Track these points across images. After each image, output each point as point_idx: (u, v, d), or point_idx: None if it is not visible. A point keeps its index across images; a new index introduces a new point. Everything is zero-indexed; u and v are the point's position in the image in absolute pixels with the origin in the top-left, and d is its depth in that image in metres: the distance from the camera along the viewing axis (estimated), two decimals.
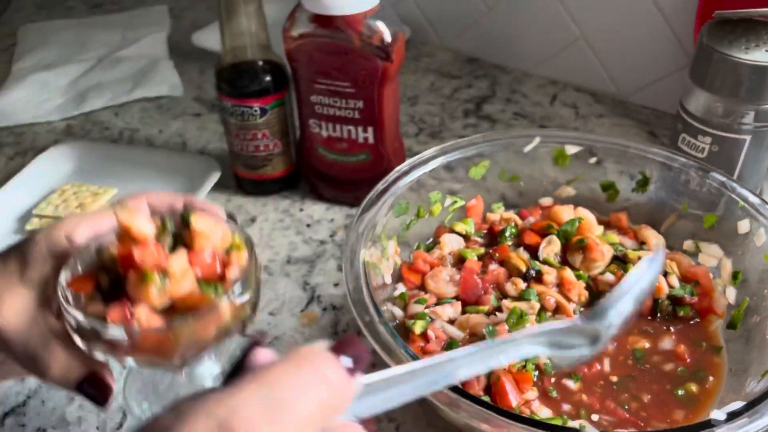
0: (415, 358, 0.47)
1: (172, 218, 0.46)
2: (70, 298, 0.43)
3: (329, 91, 0.74)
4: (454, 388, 0.44)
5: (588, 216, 0.65)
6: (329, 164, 0.80)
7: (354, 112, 0.74)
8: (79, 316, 0.42)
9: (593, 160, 0.66)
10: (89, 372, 0.43)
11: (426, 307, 0.57)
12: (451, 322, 0.56)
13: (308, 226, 0.80)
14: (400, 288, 0.60)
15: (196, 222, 0.45)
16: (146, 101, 1.05)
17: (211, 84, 1.09)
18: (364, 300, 0.51)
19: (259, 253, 0.76)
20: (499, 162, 0.66)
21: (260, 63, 0.77)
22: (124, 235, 0.43)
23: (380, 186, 0.61)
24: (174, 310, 0.42)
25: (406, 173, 0.63)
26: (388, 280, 0.60)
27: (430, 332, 0.55)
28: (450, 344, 0.54)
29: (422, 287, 0.61)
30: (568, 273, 0.58)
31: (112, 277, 0.43)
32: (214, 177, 0.83)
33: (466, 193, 0.67)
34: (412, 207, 0.64)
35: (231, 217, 0.50)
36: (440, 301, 0.58)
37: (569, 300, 0.57)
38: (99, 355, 0.43)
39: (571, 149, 0.66)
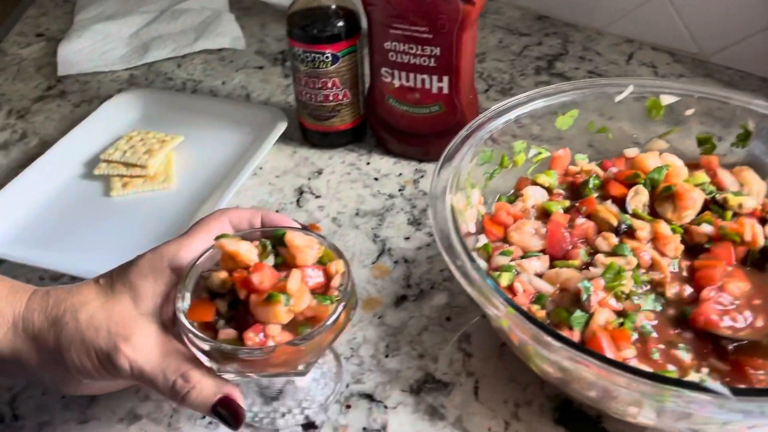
0: (510, 303, 0.44)
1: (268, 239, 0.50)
2: (195, 327, 0.45)
3: (405, 37, 0.71)
4: (554, 333, 0.42)
5: (675, 162, 0.60)
6: (399, 116, 0.77)
7: (430, 60, 0.71)
8: (213, 343, 0.44)
9: (690, 111, 0.62)
10: (224, 395, 0.45)
11: (511, 260, 0.55)
12: (539, 276, 0.53)
13: (376, 179, 0.78)
14: (482, 239, 0.57)
15: (293, 239, 0.48)
16: (208, 53, 1.03)
17: (272, 38, 1.07)
18: (454, 245, 0.49)
19: (327, 205, 0.74)
20: (587, 112, 0.63)
21: (333, 7, 0.74)
22: (228, 260, 0.48)
23: (464, 132, 0.59)
24: (295, 323, 0.46)
25: (491, 119, 0.60)
26: (472, 228, 0.57)
27: (517, 285, 0.52)
28: (539, 298, 0.52)
29: (505, 240, 0.58)
30: (663, 227, 0.54)
31: (228, 301, 0.47)
32: (281, 128, 0.81)
33: (551, 144, 0.64)
34: (496, 156, 0.61)
35: (304, 227, 0.53)
36: (526, 255, 0.55)
37: (663, 255, 0.54)
38: (229, 375, 0.46)
39: (667, 99, 0.62)
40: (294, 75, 0.78)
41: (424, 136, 0.78)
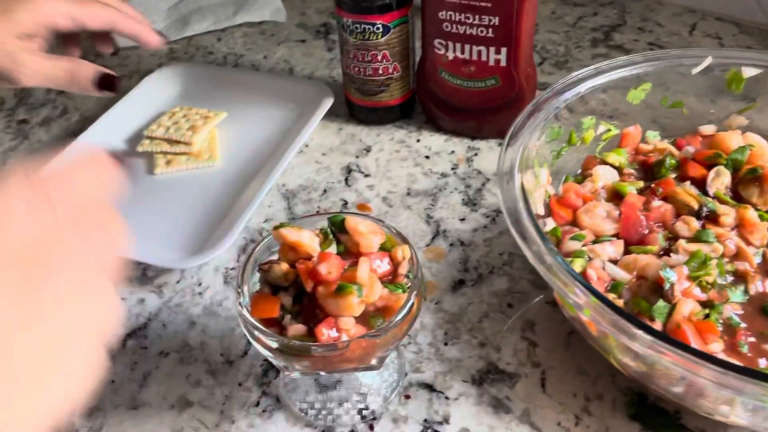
0: (593, 292, 0.41)
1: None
2: (261, 324, 0.44)
3: (461, 6, 0.67)
4: (644, 326, 0.38)
5: (759, 142, 0.56)
6: (452, 90, 0.73)
7: (487, 30, 0.67)
8: (283, 341, 0.42)
9: None
10: (103, 73, 0.61)
11: (583, 245, 0.51)
12: (613, 262, 0.50)
13: (426, 158, 0.74)
14: (550, 223, 0.54)
15: (356, 224, 0.46)
16: (248, 26, 1.00)
17: (314, 10, 1.04)
18: (527, 228, 0.45)
19: (377, 185, 0.71)
20: (661, 85, 0.58)
21: None
22: (288, 251, 0.46)
23: (530, 107, 0.55)
24: (365, 315, 0.44)
25: (558, 93, 0.56)
26: (541, 211, 0.54)
27: (590, 272, 0.49)
28: (614, 286, 0.48)
29: (573, 223, 0.54)
30: (751, 213, 0.50)
31: (292, 294, 0.45)
32: (327, 103, 0.78)
33: (622, 120, 0.60)
34: (564, 133, 0.57)
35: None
36: (598, 239, 0.52)
37: (749, 243, 0.50)
38: (296, 373, 0.45)
39: (749, 71, 0.57)
40: (341, 47, 0.75)
41: (478, 112, 0.74)
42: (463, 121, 0.76)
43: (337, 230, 0.48)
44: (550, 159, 0.56)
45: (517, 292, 0.59)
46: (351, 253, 0.47)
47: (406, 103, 0.78)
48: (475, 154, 0.74)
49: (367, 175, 0.73)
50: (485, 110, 0.74)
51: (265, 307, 0.44)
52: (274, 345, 0.43)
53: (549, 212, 0.55)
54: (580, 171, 0.59)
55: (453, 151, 0.75)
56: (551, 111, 0.55)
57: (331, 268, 0.44)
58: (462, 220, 0.66)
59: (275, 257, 0.49)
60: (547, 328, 0.56)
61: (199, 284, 0.62)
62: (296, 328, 0.43)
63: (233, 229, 0.63)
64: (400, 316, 0.44)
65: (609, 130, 0.60)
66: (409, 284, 0.46)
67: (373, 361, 0.45)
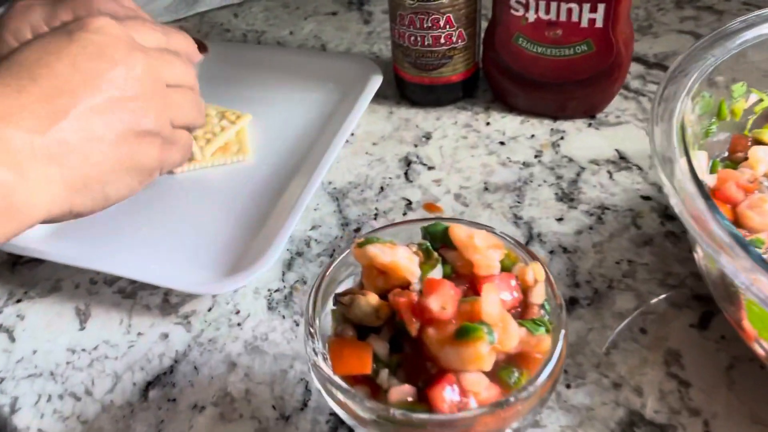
0: None
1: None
2: (349, 386, 0.31)
3: None
4: None
5: None
6: (531, 60, 0.60)
7: None
8: (385, 409, 0.30)
9: None
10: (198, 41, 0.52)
11: (764, 253, 0.38)
12: None
13: (502, 144, 0.61)
14: None
15: (468, 236, 0.33)
16: (269, 0, 0.87)
17: None
18: (713, 231, 0.32)
19: (445, 179, 0.58)
20: None
21: None
22: (375, 276, 0.33)
23: (674, 67, 0.41)
24: (494, 366, 0.31)
25: (706, 49, 0.42)
26: None
27: None
28: None
29: (736, 222, 0.41)
30: None
31: (387, 339, 0.33)
32: (376, 82, 0.64)
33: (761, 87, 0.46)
34: (714, 103, 0.43)
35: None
36: None
37: None
38: None
39: None
40: (392, 13, 0.61)
41: (562, 86, 0.61)
42: (543, 99, 0.62)
43: (437, 245, 0.35)
44: (700, 138, 0.43)
45: (651, 313, 0.46)
46: (459, 275, 0.34)
47: (469, 80, 0.65)
48: (561, 138, 0.61)
49: (431, 168, 0.59)
50: (572, 84, 0.60)
51: (351, 358, 0.31)
52: (369, 416, 0.30)
53: None
54: (726, 154, 0.46)
55: (533, 135, 0.61)
56: (703, 75, 0.41)
57: (445, 302, 0.30)
58: (559, 220, 0.53)
59: (347, 283, 0.36)
60: (699, 361, 0.43)
61: (237, 312, 0.49)
62: (400, 391, 0.30)
63: (276, 240, 0.49)
64: (548, 369, 0.31)
65: (761, 100, 0.46)
66: (552, 320, 0.33)
67: (508, 430, 0.32)
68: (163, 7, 0.85)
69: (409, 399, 0.30)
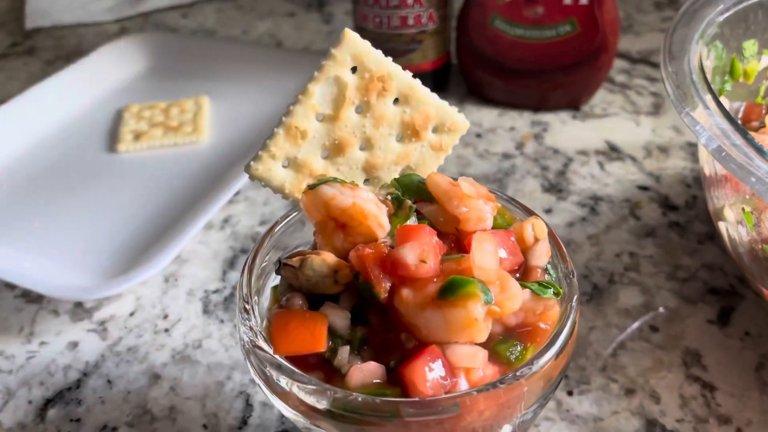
0: None
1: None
2: (292, 365, 0.23)
3: None
4: None
5: None
6: (509, 45, 0.54)
7: None
8: (342, 395, 0.22)
9: None
10: None
11: None
12: None
13: (478, 136, 0.55)
14: (721, 199, 0.34)
15: (451, 185, 0.26)
16: (221, 1, 0.80)
17: None
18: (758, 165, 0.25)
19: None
20: None
21: None
22: (332, 231, 0.26)
23: (681, 13, 0.36)
24: (489, 341, 0.23)
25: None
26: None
27: None
28: None
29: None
30: None
31: (348, 308, 0.25)
32: None
33: None
34: (726, 58, 0.38)
35: None
36: None
37: None
38: None
39: None
40: None
41: (543, 74, 0.55)
42: (522, 88, 0.56)
43: (414, 197, 0.27)
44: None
45: (669, 309, 0.39)
46: (441, 236, 0.26)
47: (440, 70, 0.59)
48: (545, 130, 0.55)
49: None
50: (554, 71, 0.54)
51: (300, 333, 0.23)
52: (323, 405, 0.22)
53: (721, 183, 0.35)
54: (740, 123, 0.40)
55: (513, 128, 0.55)
56: (711, 20, 0.36)
57: (425, 253, 0.23)
58: (548, 211, 0.46)
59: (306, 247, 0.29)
60: (723, 361, 0.36)
61: (165, 317, 0.40)
62: (365, 371, 0.22)
63: (191, 226, 0.41)
64: (560, 341, 0.23)
65: None
66: (562, 283, 0.25)
67: (504, 430, 0.24)
68: (106, 7, 0.78)
69: (376, 381, 0.22)
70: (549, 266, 0.27)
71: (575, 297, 0.25)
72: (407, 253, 0.23)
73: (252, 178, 0.27)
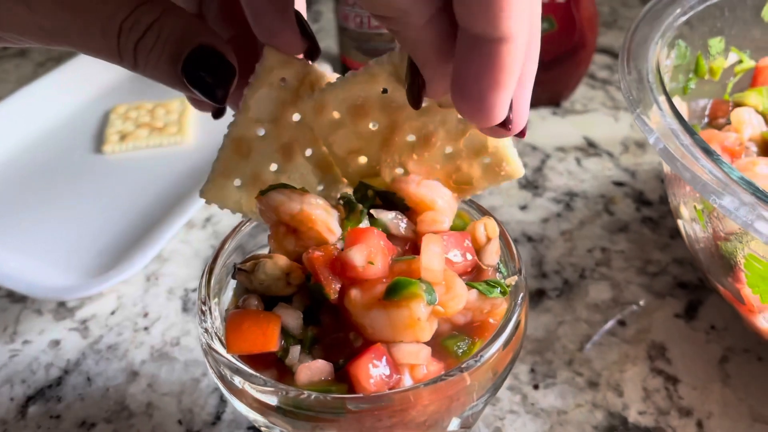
0: None
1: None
2: (246, 366, 0.24)
3: None
4: None
5: None
6: None
7: None
8: (293, 394, 0.22)
9: None
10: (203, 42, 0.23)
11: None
12: None
13: None
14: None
15: (406, 184, 0.27)
16: None
17: None
18: (703, 166, 0.26)
19: None
20: None
21: None
22: (285, 235, 0.26)
23: (644, 12, 0.36)
24: (437, 337, 0.25)
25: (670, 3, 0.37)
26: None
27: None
28: None
29: None
30: None
31: (300, 309, 0.26)
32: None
33: (756, 50, 0.41)
34: (690, 57, 0.38)
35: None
36: None
37: None
38: None
39: None
40: None
41: None
42: None
43: (369, 200, 0.28)
44: (677, 94, 0.38)
45: (627, 303, 0.39)
46: (402, 239, 0.27)
47: None
48: None
49: None
50: None
51: (252, 333, 0.24)
52: (273, 401, 0.23)
53: None
54: (707, 120, 0.41)
55: None
56: (675, 19, 0.36)
57: (372, 255, 0.24)
58: (523, 208, 0.47)
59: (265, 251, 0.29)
60: (687, 354, 0.36)
61: (145, 315, 0.41)
62: (313, 369, 0.23)
63: (171, 226, 0.42)
64: (505, 335, 0.24)
65: (741, 61, 0.41)
66: (509, 282, 0.26)
67: (452, 425, 0.25)
68: None
69: (324, 378, 0.23)
70: (501, 264, 0.28)
71: (521, 294, 0.25)
72: (355, 254, 0.24)
73: (207, 202, 0.28)
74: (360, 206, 0.27)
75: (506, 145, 0.28)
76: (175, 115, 0.56)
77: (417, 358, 0.22)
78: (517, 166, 0.29)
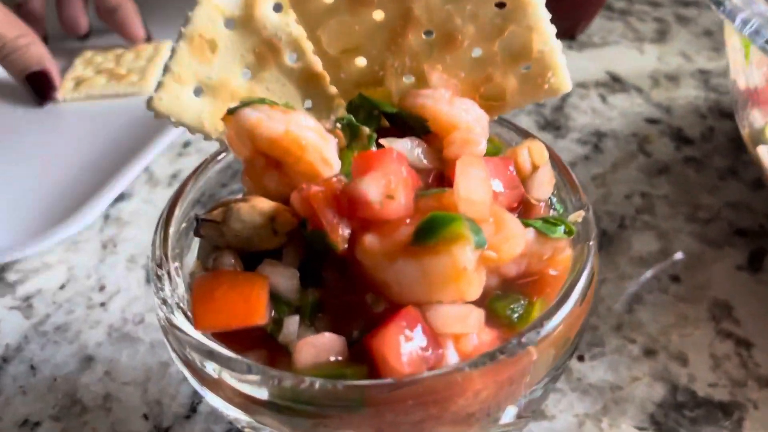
0: None
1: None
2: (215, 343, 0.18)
3: None
4: None
5: None
6: None
7: None
8: (288, 380, 0.16)
9: None
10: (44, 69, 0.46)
11: None
12: None
13: None
14: (758, 117, 0.28)
15: (424, 100, 0.21)
16: None
17: None
18: None
19: None
20: None
21: None
22: (264, 170, 0.20)
23: None
24: (483, 297, 0.17)
25: None
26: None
27: None
28: None
29: None
30: None
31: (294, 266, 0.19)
32: None
33: None
34: None
35: None
36: None
37: None
38: None
39: None
40: None
41: None
42: None
43: (372, 128, 0.21)
44: None
45: (683, 256, 0.33)
46: (420, 171, 0.20)
47: None
48: None
49: None
50: None
51: (229, 303, 0.17)
52: (262, 395, 0.16)
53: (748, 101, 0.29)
54: None
55: None
56: None
57: (392, 187, 0.17)
58: None
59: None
60: (759, 313, 0.30)
61: (101, 288, 0.34)
62: (319, 345, 0.16)
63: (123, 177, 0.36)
64: (576, 294, 0.17)
65: None
66: (575, 219, 0.20)
67: (506, 416, 0.18)
68: None
69: (335, 359, 0.16)
70: (554, 200, 0.21)
71: (593, 234, 0.19)
72: (369, 186, 0.17)
73: (157, 115, 0.21)
74: (366, 129, 0.20)
75: (554, 50, 0.22)
76: (143, 61, 0.48)
77: (465, 324, 0.16)
78: (564, 78, 0.22)
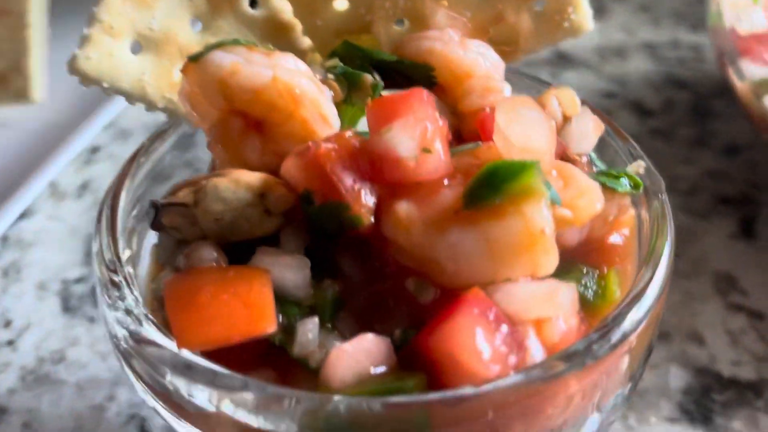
0: None
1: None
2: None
3: None
4: None
5: None
6: None
7: None
8: (318, 405, 0.11)
9: None
10: None
11: None
12: None
13: None
14: (750, 67, 0.26)
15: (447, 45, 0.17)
16: None
17: None
18: None
19: None
20: None
21: None
22: (233, 133, 0.15)
23: None
24: None
25: None
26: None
27: None
28: None
29: None
30: None
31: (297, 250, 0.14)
32: None
33: None
34: None
35: None
36: None
37: None
38: None
39: None
40: None
41: None
42: None
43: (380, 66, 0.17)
44: None
45: (684, 228, 0.31)
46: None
47: None
48: None
49: None
50: None
51: (222, 308, 0.13)
52: (283, 427, 0.11)
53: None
54: None
55: None
56: None
57: (428, 138, 0.13)
58: None
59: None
60: (765, 281, 0.28)
61: (7, 324, 0.28)
62: (357, 353, 0.12)
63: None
64: (664, 261, 0.14)
65: None
66: (637, 170, 0.16)
67: (590, 425, 0.14)
68: None
69: (379, 370, 0.11)
70: (594, 155, 0.18)
71: (662, 186, 0.16)
72: (399, 139, 0.13)
73: (85, 79, 0.16)
74: (370, 77, 0.16)
75: None
76: (20, 58, 0.41)
77: (553, 304, 0.12)
78: (586, 15, 0.19)
